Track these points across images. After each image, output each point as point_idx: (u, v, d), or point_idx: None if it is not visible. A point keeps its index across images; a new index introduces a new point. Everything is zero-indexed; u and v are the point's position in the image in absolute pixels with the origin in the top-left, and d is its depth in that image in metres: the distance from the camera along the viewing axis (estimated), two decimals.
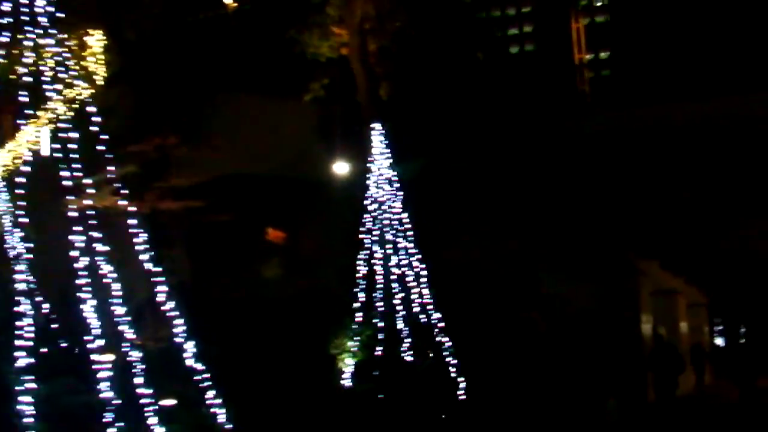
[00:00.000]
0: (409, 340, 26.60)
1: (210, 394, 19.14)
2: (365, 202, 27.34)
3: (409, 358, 26.32)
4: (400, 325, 26.81)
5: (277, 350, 26.05)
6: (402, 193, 27.78)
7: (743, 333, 79.20)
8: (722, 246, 47.88)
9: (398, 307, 26.89)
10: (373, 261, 27.03)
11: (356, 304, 26.66)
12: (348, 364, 26.26)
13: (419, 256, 27.55)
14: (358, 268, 26.93)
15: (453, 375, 27.40)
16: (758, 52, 68.07)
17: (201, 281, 32.19)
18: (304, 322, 27.34)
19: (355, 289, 26.74)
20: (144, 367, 17.49)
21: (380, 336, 26.40)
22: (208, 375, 19.25)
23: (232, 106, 33.97)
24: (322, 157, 34.86)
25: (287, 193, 34.18)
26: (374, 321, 26.55)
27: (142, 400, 17.07)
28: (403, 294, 26.99)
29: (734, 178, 37.73)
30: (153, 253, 18.35)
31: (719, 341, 75.57)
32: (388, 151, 27.81)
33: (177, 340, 19.14)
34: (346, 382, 26.05)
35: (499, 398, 27.87)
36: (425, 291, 27.52)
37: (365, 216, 27.30)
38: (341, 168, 33.15)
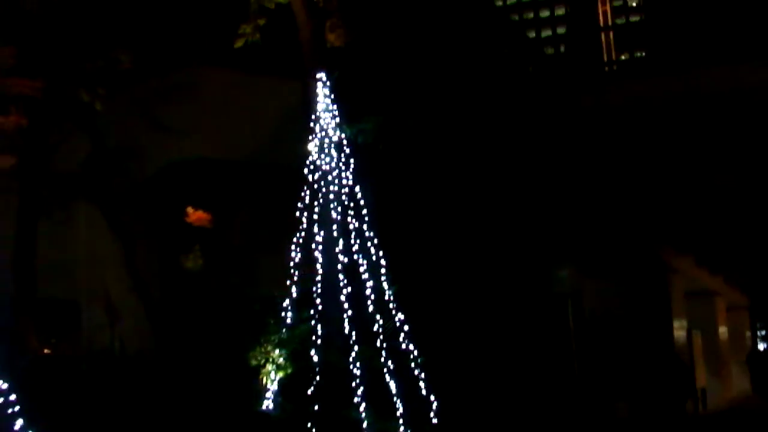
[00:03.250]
0: (357, 348, 19.39)
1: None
2: (304, 171, 20.32)
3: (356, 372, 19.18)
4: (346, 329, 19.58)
5: (182, 360, 19.52)
6: (354, 160, 20.71)
7: None
8: (766, 240, 40.84)
9: (345, 306, 19.63)
10: (312, 246, 19.95)
11: (286, 301, 19.59)
12: (273, 380, 19.20)
13: (377, 241, 20.42)
14: (292, 255, 19.89)
15: (423, 394, 20.36)
16: None
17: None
18: (224, 324, 20.70)
19: (287, 282, 19.68)
20: None
21: (318, 343, 19.23)
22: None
23: (204, 83, 29.08)
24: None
25: (248, 179, 28.12)
26: (311, 323, 19.39)
27: None
28: (351, 289, 19.83)
29: None
30: None
31: (762, 347, 68.39)
32: (336, 107, 20.84)
33: None
34: (269, 404, 18.98)
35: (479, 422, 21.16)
36: (385, 286, 20.38)
37: (304, 189, 20.29)
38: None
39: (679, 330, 35.94)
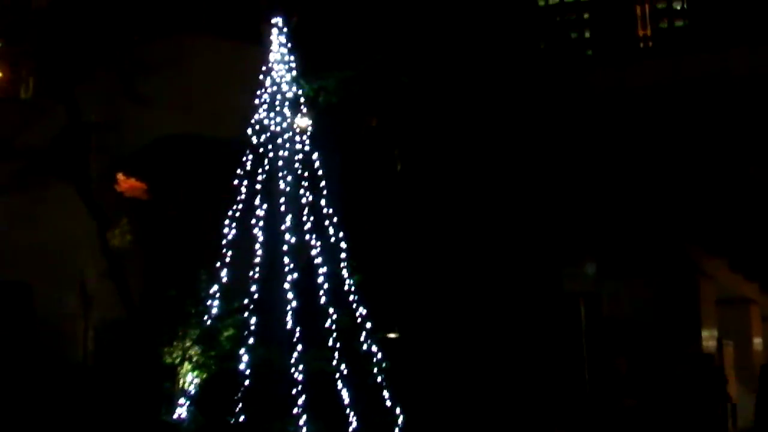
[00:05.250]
0: (301, 346, 15.46)
1: None
2: (248, 132, 16.41)
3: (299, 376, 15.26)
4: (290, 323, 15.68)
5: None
6: (314, 122, 16.83)
7: None
8: None
9: (289, 296, 15.69)
10: (252, 222, 16.07)
11: (214, 288, 15.67)
12: (190, 383, 15.27)
13: (337, 220, 16.52)
14: (225, 231, 15.99)
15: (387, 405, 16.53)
16: None
17: None
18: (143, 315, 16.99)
19: (217, 264, 15.79)
20: None
21: (251, 339, 15.32)
22: None
23: (189, 53, 24.88)
24: None
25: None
26: (243, 315, 15.49)
27: None
28: (300, 276, 15.89)
29: None
30: None
31: None
32: (293, 58, 16.96)
33: None
34: (182, 413, 15.04)
35: None
36: (344, 274, 16.50)
37: (247, 154, 16.41)
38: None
39: (709, 340, 32.32)
